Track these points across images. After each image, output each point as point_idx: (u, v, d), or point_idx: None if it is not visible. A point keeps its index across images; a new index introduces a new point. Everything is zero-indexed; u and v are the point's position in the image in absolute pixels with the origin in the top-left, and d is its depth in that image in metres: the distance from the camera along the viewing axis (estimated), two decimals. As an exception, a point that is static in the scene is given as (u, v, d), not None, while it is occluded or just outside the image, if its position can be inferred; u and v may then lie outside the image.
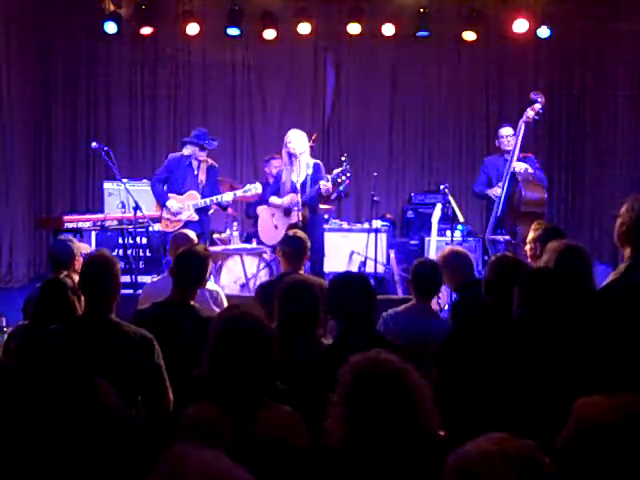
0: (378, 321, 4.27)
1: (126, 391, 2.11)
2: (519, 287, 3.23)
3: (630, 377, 2.31)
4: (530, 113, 7.04)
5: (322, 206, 8.28)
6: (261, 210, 7.29)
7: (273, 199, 7.07)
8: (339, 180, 6.81)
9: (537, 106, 7.06)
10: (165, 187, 7.19)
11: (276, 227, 6.98)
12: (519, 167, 6.98)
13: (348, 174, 6.83)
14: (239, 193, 7.23)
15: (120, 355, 3.14)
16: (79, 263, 4.45)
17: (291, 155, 6.87)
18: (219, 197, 7.09)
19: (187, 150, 7.16)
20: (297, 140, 6.88)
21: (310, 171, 6.90)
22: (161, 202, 7.13)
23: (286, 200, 6.92)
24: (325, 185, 6.71)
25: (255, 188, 7.20)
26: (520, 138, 7.06)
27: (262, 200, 7.48)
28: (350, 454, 2.04)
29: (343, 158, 6.88)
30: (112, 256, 3.47)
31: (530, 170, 6.98)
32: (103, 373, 2.11)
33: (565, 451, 1.93)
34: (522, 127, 7.07)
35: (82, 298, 3.54)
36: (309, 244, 4.86)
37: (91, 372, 2.01)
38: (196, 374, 2.92)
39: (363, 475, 2.01)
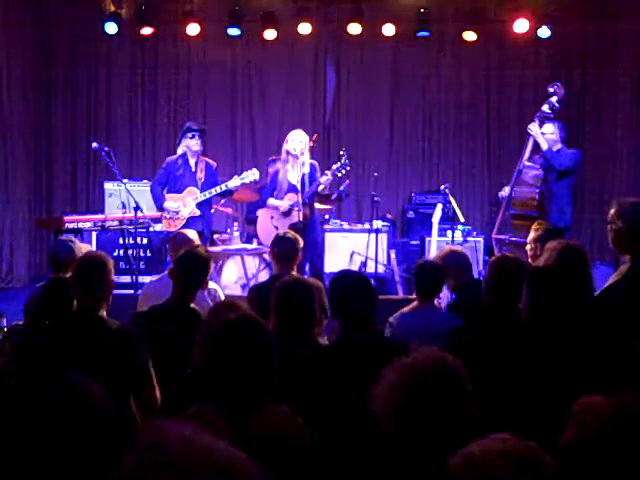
0: (385, 325, 4.27)
1: (114, 387, 2.09)
2: (526, 286, 3.25)
3: (630, 375, 2.31)
4: (545, 107, 6.85)
5: (322, 206, 8.30)
6: (260, 213, 7.30)
7: (272, 201, 7.07)
8: (339, 174, 6.86)
9: (553, 99, 6.83)
10: (165, 189, 7.21)
11: (277, 228, 6.96)
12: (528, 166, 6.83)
13: (348, 168, 6.87)
14: (237, 181, 7.18)
15: (104, 349, 3.13)
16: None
17: (291, 155, 6.89)
18: (223, 186, 7.12)
19: (181, 148, 7.24)
20: (299, 140, 6.90)
21: (307, 170, 6.94)
22: (158, 205, 7.17)
23: (286, 203, 6.93)
24: (326, 180, 6.76)
25: (253, 174, 7.20)
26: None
27: (262, 201, 7.46)
28: (402, 440, 2.06)
29: (342, 152, 6.91)
30: (105, 255, 3.46)
31: (534, 173, 6.82)
32: (88, 368, 2.10)
33: (567, 452, 1.92)
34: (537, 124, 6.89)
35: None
36: (300, 244, 4.83)
37: (76, 368, 1.99)
38: (189, 373, 2.92)
39: (414, 460, 2.03)
